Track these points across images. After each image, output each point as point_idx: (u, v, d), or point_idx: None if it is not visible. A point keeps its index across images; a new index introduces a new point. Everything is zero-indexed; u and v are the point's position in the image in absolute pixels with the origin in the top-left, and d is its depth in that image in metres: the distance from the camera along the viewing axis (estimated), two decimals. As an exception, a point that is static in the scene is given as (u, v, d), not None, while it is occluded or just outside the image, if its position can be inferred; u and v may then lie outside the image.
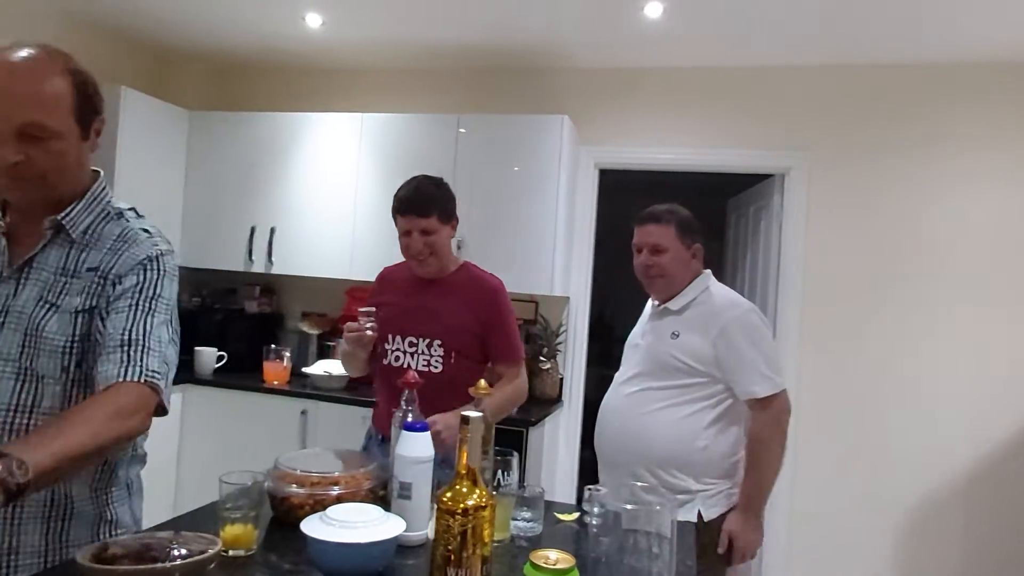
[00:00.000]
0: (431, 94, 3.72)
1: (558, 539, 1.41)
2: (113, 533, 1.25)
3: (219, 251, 3.60)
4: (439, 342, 1.97)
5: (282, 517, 1.35)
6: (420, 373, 1.95)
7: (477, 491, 0.91)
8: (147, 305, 1.20)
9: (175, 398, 3.25)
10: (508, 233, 3.23)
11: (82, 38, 3.41)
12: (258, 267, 3.54)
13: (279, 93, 3.92)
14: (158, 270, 1.23)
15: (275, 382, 3.29)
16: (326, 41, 3.45)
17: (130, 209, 1.30)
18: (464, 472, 0.92)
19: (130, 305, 1.18)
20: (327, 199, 3.46)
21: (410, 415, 1.51)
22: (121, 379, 1.12)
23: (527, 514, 1.44)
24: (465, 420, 0.91)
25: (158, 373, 1.17)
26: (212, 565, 1.07)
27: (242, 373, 3.42)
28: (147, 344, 1.16)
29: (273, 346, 3.40)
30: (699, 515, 1.84)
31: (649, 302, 2.14)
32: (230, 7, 3.14)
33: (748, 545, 1.84)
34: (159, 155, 3.48)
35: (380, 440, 2.05)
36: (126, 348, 1.14)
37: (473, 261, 3.22)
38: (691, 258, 1.98)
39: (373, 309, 1.89)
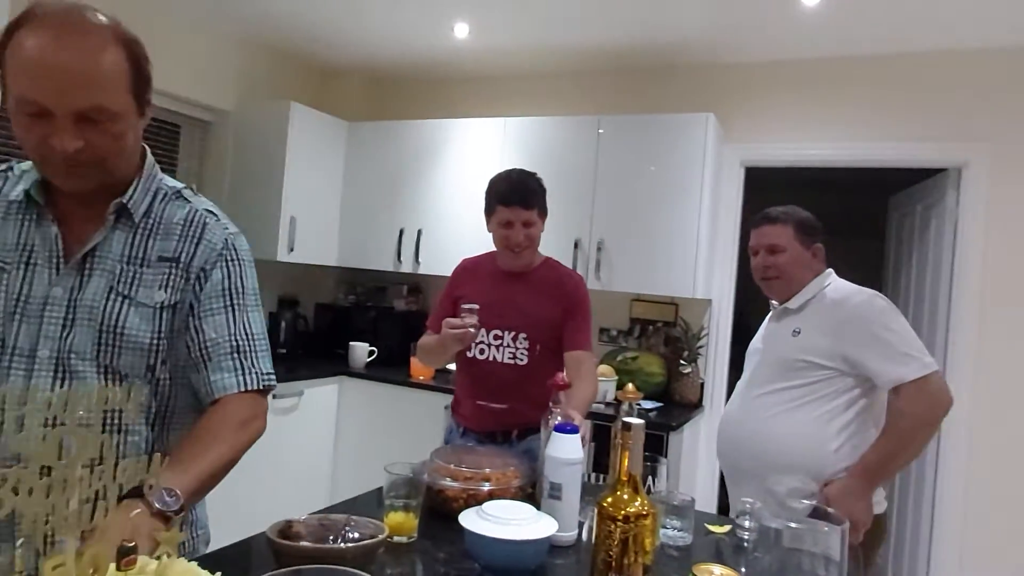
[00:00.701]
0: (572, 97, 3.74)
1: (709, 551, 1.37)
2: (195, 533, 1.25)
3: (371, 252, 3.82)
4: (524, 335, 2.00)
5: (437, 508, 1.41)
6: (506, 365, 2.01)
7: (639, 499, 0.91)
8: (242, 302, 1.18)
9: (331, 389, 3.51)
10: (649, 234, 3.18)
11: (257, 59, 3.76)
12: (406, 267, 3.72)
13: (427, 101, 4.11)
14: (239, 259, 1.21)
15: (421, 377, 3.45)
16: (472, 50, 3.57)
17: (186, 187, 1.23)
18: (625, 479, 0.92)
19: (226, 306, 1.15)
20: (471, 202, 3.56)
21: (558, 417, 1.52)
22: (242, 389, 1.12)
23: (676, 523, 1.41)
24: (627, 427, 0.91)
25: (272, 373, 1.19)
26: (381, 549, 1.15)
27: (391, 368, 3.62)
28: (255, 347, 1.17)
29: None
30: None
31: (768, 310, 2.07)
32: (385, 23, 3.32)
33: (851, 514, 1.54)
34: (321, 164, 3.75)
35: (462, 433, 2.08)
36: (237, 356, 1.14)
37: (613, 262, 3.25)
38: (811, 258, 1.91)
39: (477, 306, 1.86)
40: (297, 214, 3.58)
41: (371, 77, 4.22)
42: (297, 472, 3.34)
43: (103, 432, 0.66)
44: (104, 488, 0.65)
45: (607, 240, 3.25)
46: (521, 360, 2.00)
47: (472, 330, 1.83)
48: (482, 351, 2.03)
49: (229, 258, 1.19)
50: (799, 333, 1.83)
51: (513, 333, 2.01)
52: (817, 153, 3.26)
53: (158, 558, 0.67)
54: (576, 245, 3.30)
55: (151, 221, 1.13)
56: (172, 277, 1.12)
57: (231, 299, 1.17)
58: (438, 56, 3.73)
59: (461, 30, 3.31)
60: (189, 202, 1.20)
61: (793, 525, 1.12)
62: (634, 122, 3.26)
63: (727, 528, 1.49)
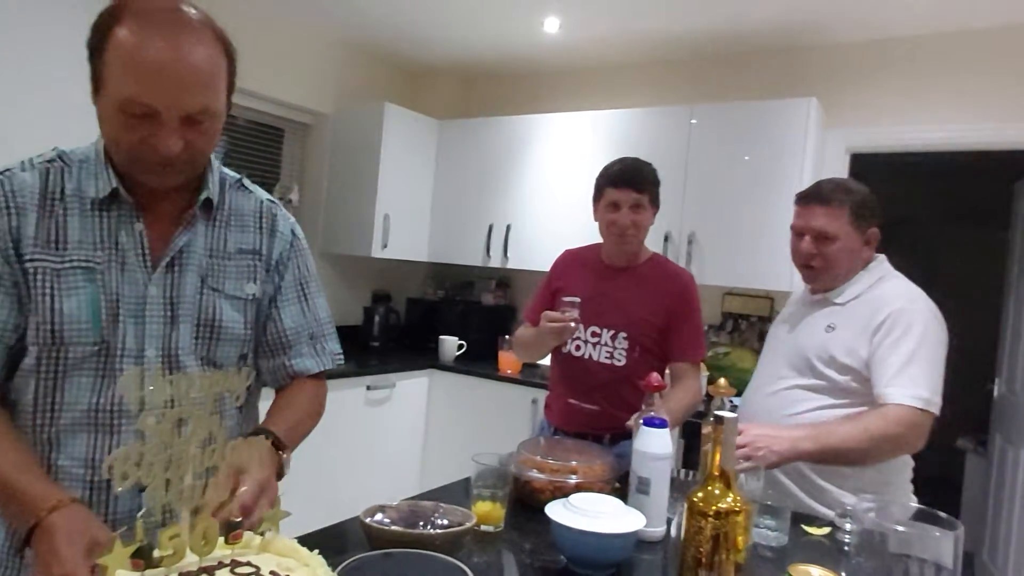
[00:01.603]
0: (664, 87, 3.66)
1: (806, 553, 1.31)
2: None
3: (460, 247, 3.89)
4: (624, 335, 1.89)
5: (524, 499, 1.43)
6: (602, 365, 1.90)
7: (731, 495, 0.88)
8: (311, 290, 1.24)
9: (422, 382, 3.60)
10: (743, 226, 3.07)
11: (353, 62, 3.90)
12: (495, 262, 3.76)
13: (517, 97, 4.13)
14: (304, 248, 1.25)
15: (508, 371, 3.48)
16: (561, 44, 3.56)
17: (238, 175, 1.22)
18: (717, 474, 0.89)
19: (299, 296, 1.22)
20: (560, 197, 3.56)
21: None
22: (318, 369, 1.24)
23: (771, 522, 1.36)
24: (719, 420, 0.89)
25: (340, 353, 1.30)
26: (468, 537, 1.18)
27: (479, 361, 3.68)
28: (325, 331, 1.26)
29: (507, 337, 3.60)
30: None
31: (802, 286, 1.82)
32: (475, 21, 3.37)
33: (767, 442, 1.41)
34: (413, 163, 3.85)
35: (553, 433, 1.99)
36: (312, 341, 1.23)
37: (705, 256, 3.16)
38: (864, 245, 1.65)
39: (578, 299, 1.77)
40: (391, 211, 3.70)
41: (461, 75, 4.29)
42: (389, 460, 3.46)
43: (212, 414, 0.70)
44: (215, 466, 0.70)
45: (698, 233, 3.16)
46: (619, 361, 1.90)
47: (572, 324, 1.75)
48: (578, 348, 1.95)
49: (299, 248, 1.24)
50: (833, 329, 1.62)
51: (612, 332, 1.91)
52: (932, 137, 3.03)
53: (262, 534, 0.71)
54: (666, 238, 3.23)
55: (225, 213, 1.14)
56: (256, 269, 1.16)
57: (304, 288, 1.23)
58: (528, 52, 3.74)
59: (551, 24, 3.30)
60: (251, 192, 1.21)
61: (900, 529, 1.05)
62: (729, 110, 3.15)
63: (826, 530, 1.43)
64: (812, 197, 1.67)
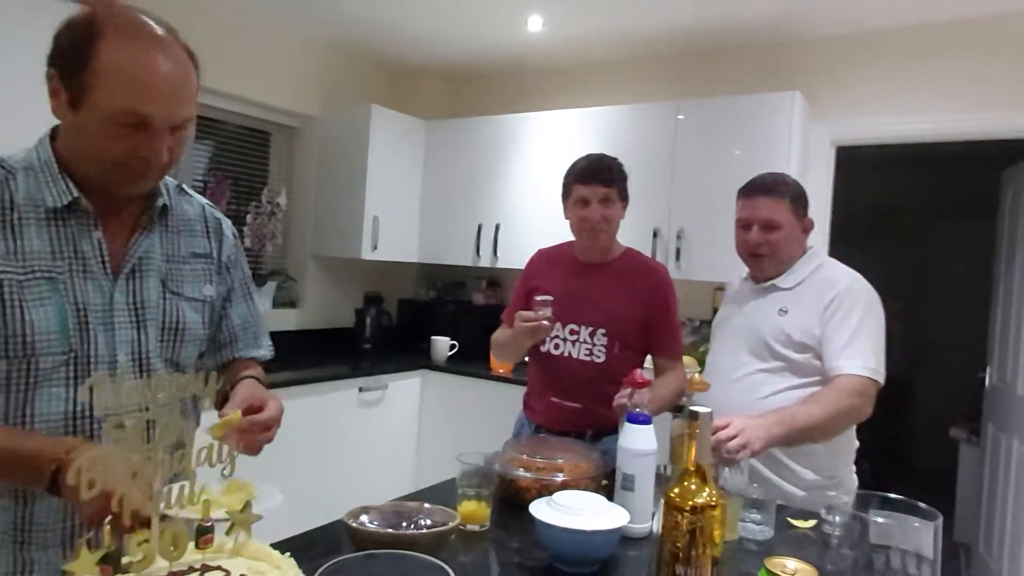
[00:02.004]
0: (648, 83, 3.67)
1: (791, 546, 1.31)
2: None
3: (450, 247, 3.89)
4: (603, 331, 1.89)
5: (510, 498, 1.43)
6: (582, 362, 1.90)
7: (707, 489, 0.88)
8: (251, 286, 1.34)
9: (414, 383, 3.60)
10: (731, 221, 3.06)
11: (338, 64, 3.90)
12: (484, 262, 3.76)
13: (503, 97, 4.13)
14: (241, 250, 1.33)
15: (500, 371, 3.48)
16: (546, 42, 3.56)
17: (175, 180, 1.23)
18: (693, 469, 0.89)
19: (245, 295, 1.31)
20: (549, 195, 3.53)
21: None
22: (261, 356, 1.32)
23: (757, 516, 1.36)
24: (693, 415, 0.89)
25: (272, 345, 1.37)
26: (453, 536, 1.18)
27: (471, 361, 3.67)
28: (262, 327, 1.35)
29: (499, 336, 3.61)
30: None
31: (738, 278, 1.94)
32: (459, 21, 3.37)
33: (753, 431, 1.43)
34: (401, 164, 3.85)
35: (534, 430, 1.99)
36: (256, 337, 1.32)
37: (694, 251, 3.17)
38: (802, 233, 1.78)
39: (551, 298, 1.77)
40: (379, 213, 3.69)
41: (447, 75, 4.28)
42: (383, 462, 3.46)
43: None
44: (184, 470, 0.69)
45: (687, 228, 3.17)
46: (598, 357, 1.90)
47: (546, 323, 1.75)
48: (557, 346, 1.95)
49: (240, 249, 1.32)
50: (786, 312, 1.70)
51: (590, 329, 1.91)
52: (917, 128, 3.04)
53: (233, 538, 0.71)
54: (655, 234, 3.24)
55: (175, 218, 1.18)
56: (210, 273, 1.22)
57: (248, 288, 1.33)
58: (512, 50, 3.74)
59: (535, 23, 3.30)
60: (192, 197, 1.25)
61: (881, 520, 1.06)
62: (714, 106, 3.15)
63: (812, 523, 1.43)
64: (756, 189, 1.78)
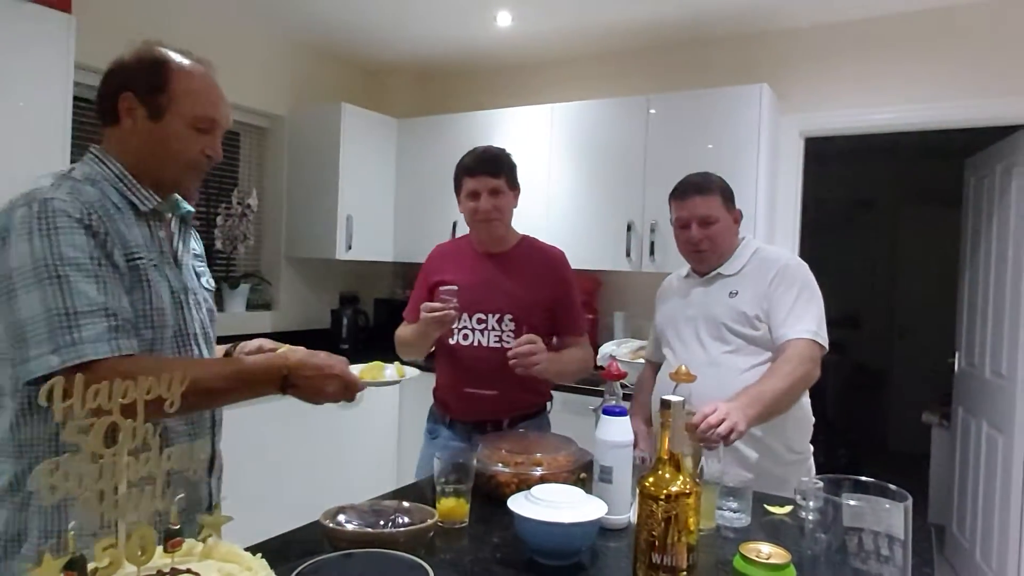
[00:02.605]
0: (619, 78, 3.68)
1: (768, 533, 1.33)
2: None
3: (426, 246, 3.78)
4: (510, 316, 1.92)
5: (489, 493, 1.42)
6: (492, 350, 1.90)
7: (680, 477, 0.89)
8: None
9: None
10: (704, 213, 3.09)
11: (308, 63, 3.86)
12: (461, 259, 3.75)
13: (474, 93, 4.12)
14: None
15: (480, 368, 3.48)
16: (516, 38, 3.56)
17: None
18: (666, 457, 0.90)
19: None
20: (522, 191, 3.56)
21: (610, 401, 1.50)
22: None
23: (733, 504, 1.38)
24: (666, 405, 0.89)
25: None
26: (430, 534, 1.17)
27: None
28: None
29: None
30: None
31: (675, 278, 2.03)
32: (428, 18, 3.35)
33: (737, 415, 1.43)
34: (373, 162, 3.82)
35: (448, 424, 2.01)
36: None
37: (668, 244, 3.18)
38: (735, 223, 1.89)
39: (456, 287, 1.80)
40: (353, 213, 3.66)
41: (418, 73, 4.26)
42: (362, 464, 3.43)
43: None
44: (150, 473, 0.68)
45: (660, 222, 3.18)
46: (508, 343, 1.87)
47: (453, 312, 1.78)
48: (465, 336, 1.95)
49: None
50: (736, 294, 1.81)
51: (497, 315, 1.93)
52: (883, 118, 3.09)
53: (203, 540, 0.70)
54: (629, 228, 3.25)
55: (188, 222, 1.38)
56: (206, 269, 1.42)
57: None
58: (482, 47, 3.73)
59: (504, 19, 3.30)
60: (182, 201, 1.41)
61: (853, 503, 1.07)
62: (684, 99, 3.18)
63: (788, 509, 1.45)
64: (688, 189, 1.87)
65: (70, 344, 1.02)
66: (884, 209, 5.90)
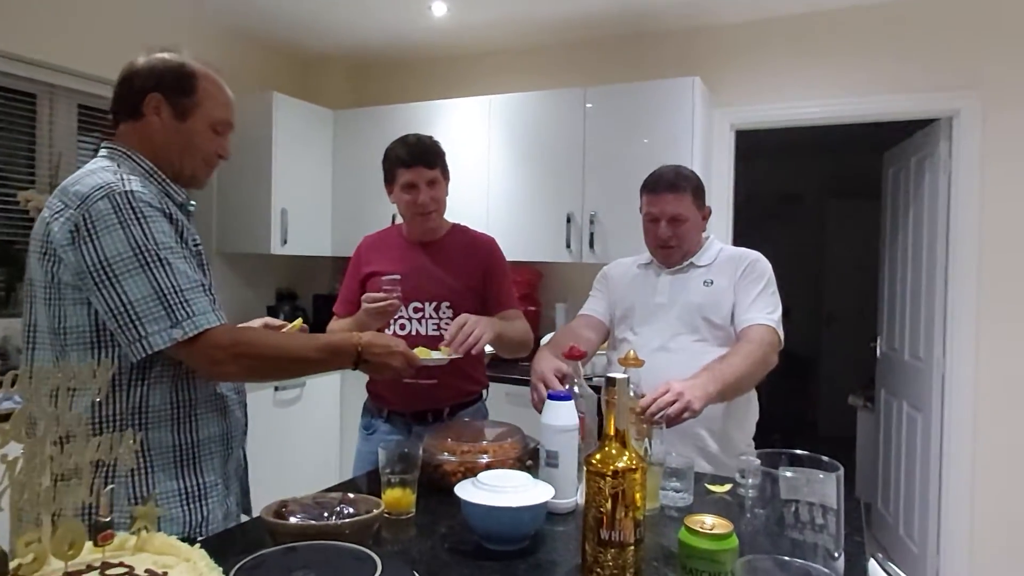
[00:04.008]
0: (556, 70, 3.70)
1: (709, 510, 1.36)
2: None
3: (365, 240, 3.80)
4: (447, 303, 1.92)
5: (436, 483, 1.41)
6: (431, 338, 1.87)
7: (627, 453, 0.90)
8: None
9: (333, 379, 3.51)
10: (642, 205, 3.14)
11: (237, 50, 3.73)
12: (401, 253, 3.70)
13: (411, 84, 4.07)
14: None
15: (422, 362, 3.44)
16: (451, 28, 3.54)
17: None
18: (612, 434, 0.91)
19: None
20: (461, 182, 3.51)
21: (576, 388, 1.50)
22: None
23: (676, 484, 1.40)
24: (611, 382, 0.90)
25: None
26: (377, 525, 1.15)
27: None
28: None
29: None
30: None
31: (628, 261, 2.03)
32: (362, 7, 3.29)
33: (692, 392, 1.45)
34: (309, 154, 3.73)
35: (386, 417, 1.98)
36: None
37: (608, 235, 3.23)
38: (703, 220, 1.92)
39: (398, 277, 1.79)
40: (288, 206, 3.57)
41: (353, 63, 4.18)
42: (305, 460, 3.36)
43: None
44: (76, 466, 0.64)
45: (600, 213, 3.23)
46: (447, 330, 1.82)
47: (397, 301, 1.77)
48: (403, 326, 1.94)
49: None
50: (711, 283, 1.85)
51: (435, 304, 1.92)
52: (807, 112, 3.22)
53: (136, 533, 0.67)
54: (568, 219, 3.28)
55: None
56: None
57: None
58: (418, 37, 3.69)
59: (439, 8, 3.27)
60: None
61: (789, 475, 1.11)
62: (620, 91, 3.22)
63: (727, 487, 1.49)
64: (661, 185, 1.86)
65: (187, 317, 1.17)
66: (811, 203, 6.15)
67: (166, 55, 1.36)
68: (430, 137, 1.96)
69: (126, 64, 1.35)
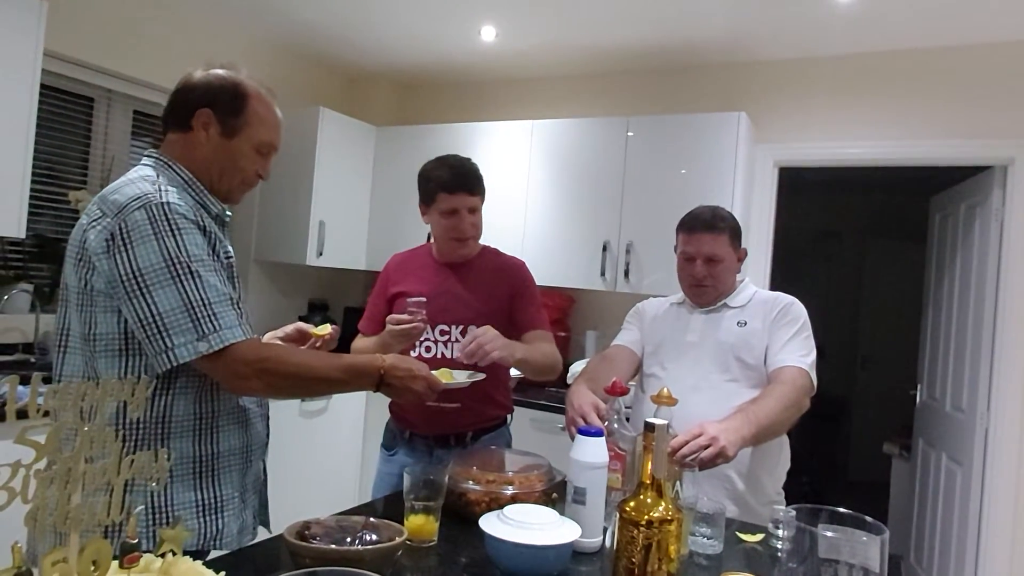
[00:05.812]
0: (600, 98, 3.70)
1: (740, 561, 1.31)
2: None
3: (400, 256, 3.82)
4: (474, 327, 1.82)
5: (459, 511, 1.39)
6: (456, 361, 1.80)
7: (663, 503, 0.87)
8: None
9: (359, 392, 3.49)
10: (680, 237, 3.11)
11: (287, 66, 3.80)
12: (434, 271, 3.71)
13: (455, 105, 4.11)
14: None
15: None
16: (499, 53, 3.56)
17: None
18: (649, 482, 0.88)
19: None
20: (499, 205, 3.53)
21: (616, 423, 1.47)
22: None
23: (706, 530, 1.36)
24: (649, 428, 0.87)
25: None
26: (400, 553, 1.13)
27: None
28: None
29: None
30: None
31: (662, 301, 1.99)
32: (412, 28, 3.33)
33: (728, 436, 1.41)
34: (349, 169, 3.77)
35: (408, 439, 1.95)
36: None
37: (643, 265, 3.20)
38: (738, 262, 1.89)
39: (424, 299, 1.75)
40: (326, 218, 3.61)
41: (399, 82, 4.24)
42: (328, 474, 3.35)
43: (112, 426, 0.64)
44: (109, 483, 0.63)
45: (636, 243, 3.20)
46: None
47: (421, 324, 1.73)
48: (428, 348, 1.89)
49: None
50: (745, 324, 1.82)
51: (461, 327, 1.87)
52: (854, 152, 3.16)
53: (162, 556, 0.65)
54: (605, 248, 3.25)
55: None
56: None
57: None
58: (465, 59, 3.72)
59: (488, 33, 3.30)
60: None
61: (829, 534, 1.06)
62: (663, 123, 3.20)
63: (760, 537, 1.44)
64: (699, 226, 1.84)
65: (214, 331, 1.17)
66: (851, 241, 6.03)
67: (223, 72, 1.37)
68: (470, 160, 1.93)
69: (183, 76, 1.37)
